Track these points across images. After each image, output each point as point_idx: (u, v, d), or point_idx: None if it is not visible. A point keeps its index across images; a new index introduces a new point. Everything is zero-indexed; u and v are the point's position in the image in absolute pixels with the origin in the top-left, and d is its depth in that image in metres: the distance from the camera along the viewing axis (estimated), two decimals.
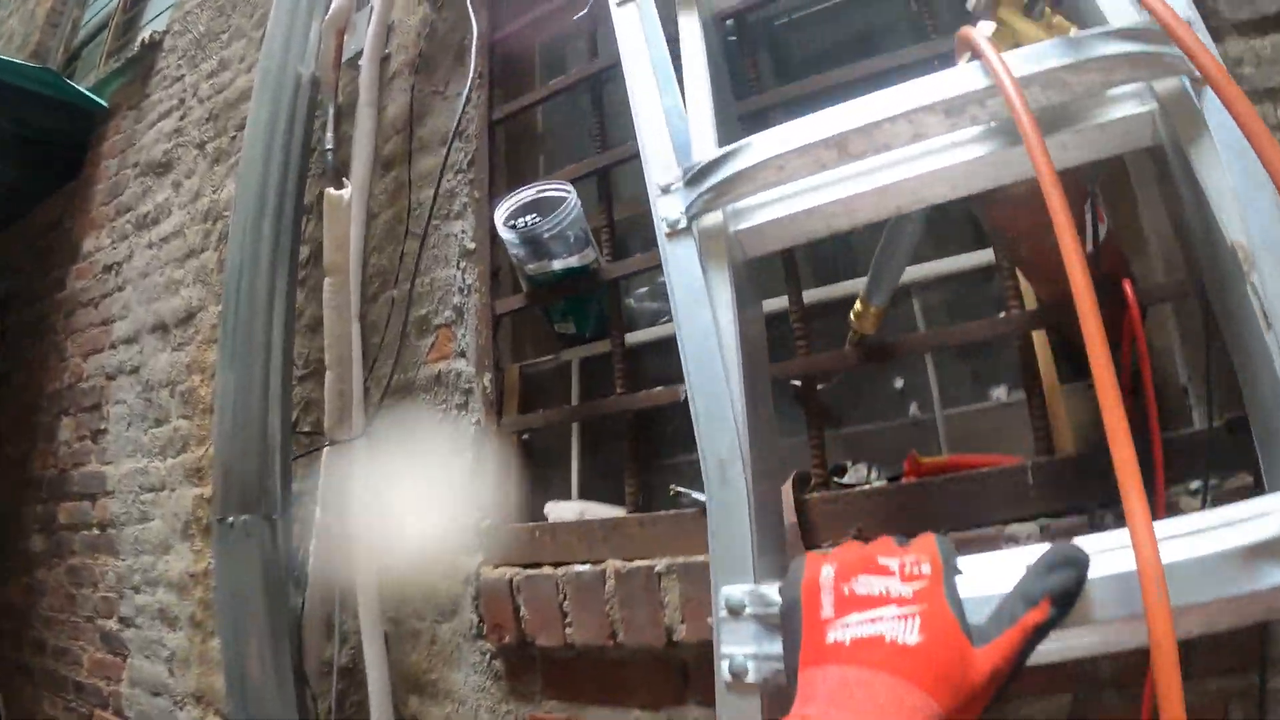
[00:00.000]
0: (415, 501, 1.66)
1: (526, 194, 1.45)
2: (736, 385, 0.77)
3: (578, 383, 1.58)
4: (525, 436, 1.58)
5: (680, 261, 0.82)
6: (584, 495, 1.55)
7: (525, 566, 1.43)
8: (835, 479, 1.29)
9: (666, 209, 0.85)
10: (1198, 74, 0.65)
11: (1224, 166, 0.66)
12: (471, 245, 1.63)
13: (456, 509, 1.57)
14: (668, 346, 1.53)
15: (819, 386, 1.30)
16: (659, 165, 0.88)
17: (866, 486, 1.22)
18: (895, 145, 0.74)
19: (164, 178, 2.64)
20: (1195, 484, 1.08)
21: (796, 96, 1.34)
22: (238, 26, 2.65)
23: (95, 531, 2.57)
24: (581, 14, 1.58)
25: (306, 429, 1.90)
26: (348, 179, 1.72)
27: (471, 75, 1.72)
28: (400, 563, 1.65)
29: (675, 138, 0.91)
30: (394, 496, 1.70)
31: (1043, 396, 1.13)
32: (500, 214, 1.42)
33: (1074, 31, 0.81)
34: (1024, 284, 1.18)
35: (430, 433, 1.65)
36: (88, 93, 3.06)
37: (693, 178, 0.83)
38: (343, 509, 1.68)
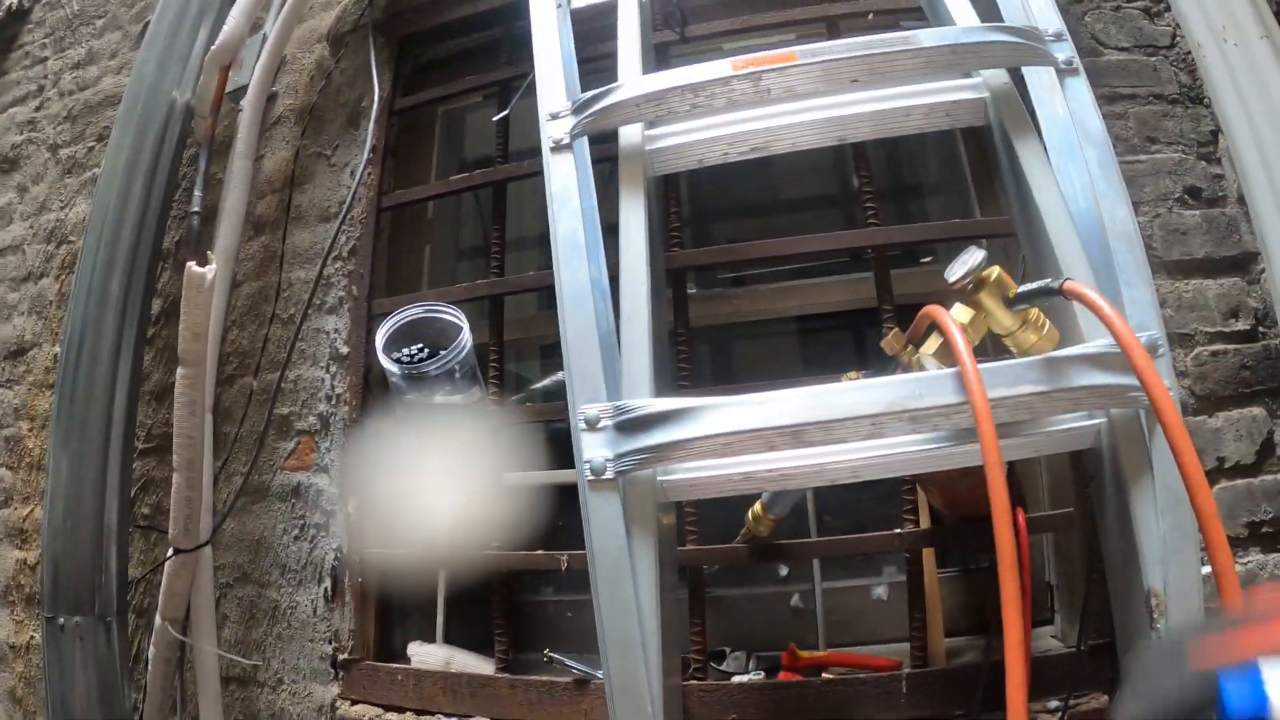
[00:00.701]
0: (263, 618, 1.52)
1: (413, 313, 1.33)
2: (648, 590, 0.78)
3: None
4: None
5: (604, 518, 0.79)
6: (449, 636, 1.46)
7: (385, 708, 1.38)
8: (713, 664, 1.30)
9: (592, 451, 0.80)
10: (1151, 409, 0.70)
11: (1158, 510, 0.71)
12: (344, 350, 1.50)
13: (311, 634, 1.46)
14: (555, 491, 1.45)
15: (705, 568, 1.26)
16: (584, 386, 0.85)
17: (745, 679, 1.24)
18: (850, 440, 0.78)
19: (9, 176, 2.33)
20: (1054, 702, 1.14)
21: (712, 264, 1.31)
22: (114, 16, 2.36)
23: None
24: (501, 115, 1.45)
25: (145, 512, 1.71)
26: (211, 252, 1.53)
27: (366, 150, 1.57)
28: (248, 677, 1.53)
29: (601, 333, 0.89)
30: (239, 609, 1.55)
31: (924, 610, 1.17)
32: (381, 336, 1.30)
33: (1045, 332, 0.86)
34: (920, 498, 1.18)
35: (283, 548, 1.52)
36: None
37: (628, 423, 0.81)
38: (183, 615, 1.52)
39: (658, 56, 1.47)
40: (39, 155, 2.28)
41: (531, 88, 1.16)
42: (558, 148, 1.00)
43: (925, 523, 1.18)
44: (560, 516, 1.42)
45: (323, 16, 1.92)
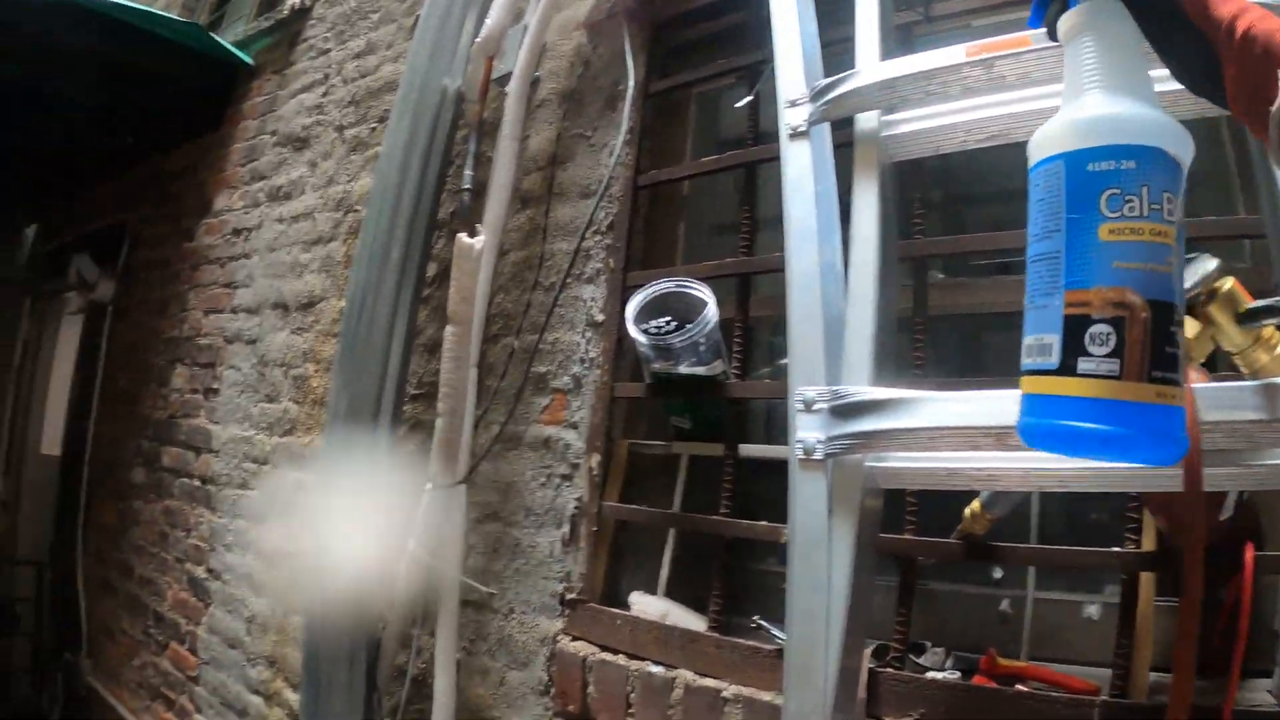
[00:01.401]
0: (505, 553, 1.70)
1: (663, 286, 1.43)
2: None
3: (684, 480, 1.57)
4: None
5: (808, 495, 0.82)
6: (670, 590, 1.55)
7: (601, 648, 1.49)
8: (912, 656, 1.29)
9: (805, 431, 0.84)
10: None
11: None
12: (599, 317, 1.62)
13: (546, 573, 1.61)
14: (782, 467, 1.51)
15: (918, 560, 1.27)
16: (804, 368, 0.87)
17: (939, 676, 1.22)
18: None
19: (301, 153, 2.69)
20: None
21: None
22: (387, 10, 2.65)
23: (196, 482, 2.71)
24: (745, 101, 1.52)
25: (412, 450, 1.95)
26: (480, 224, 1.71)
27: (623, 132, 1.68)
28: (483, 604, 1.71)
29: (827, 318, 0.90)
30: (484, 543, 1.74)
31: (1132, 637, 1.10)
32: (632, 309, 1.41)
33: (1278, 354, 0.80)
34: (1146, 518, 1.11)
35: (530, 493, 1.68)
36: (234, 49, 3.12)
37: (842, 408, 0.84)
38: (434, 541, 1.73)
39: (902, 38, 1.44)
40: (326, 135, 2.61)
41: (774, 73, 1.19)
42: (795, 135, 1.04)
43: (1148, 544, 1.09)
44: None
45: (579, 6, 2.05)
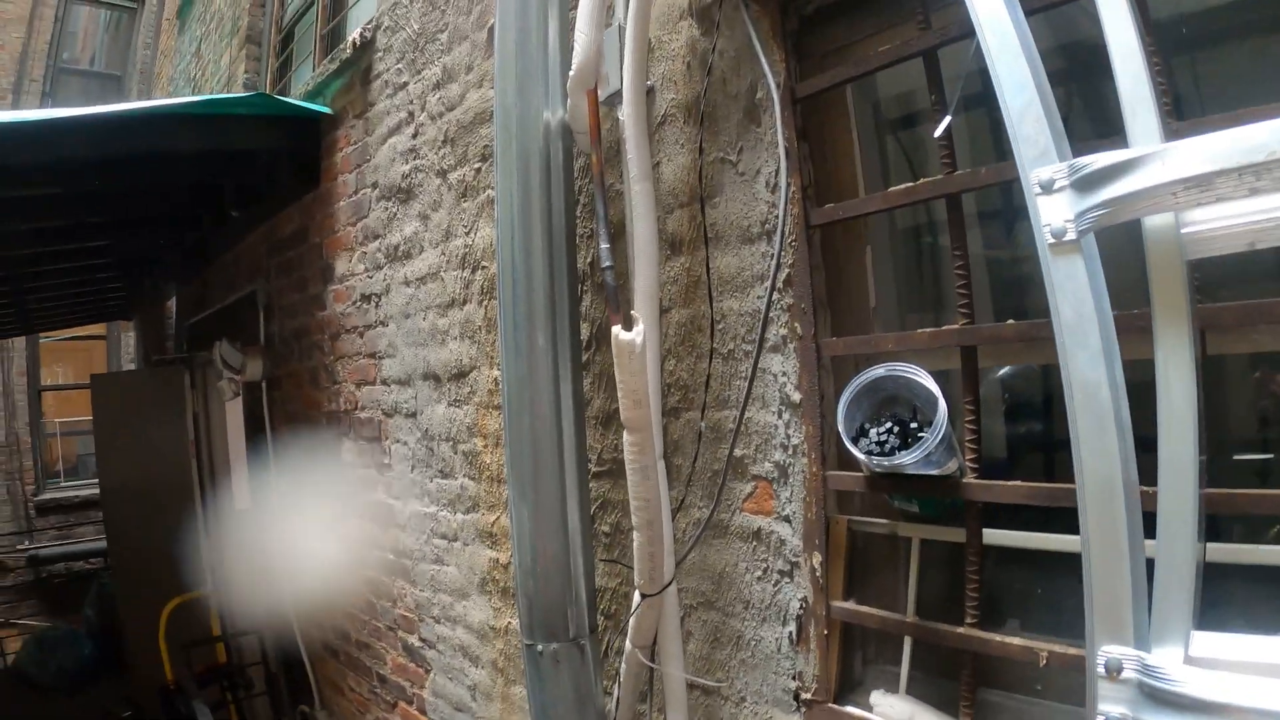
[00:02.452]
0: (727, 643, 1.55)
1: (874, 373, 1.17)
2: None
3: (916, 567, 1.32)
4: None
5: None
6: (913, 687, 1.36)
7: None
8: None
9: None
10: None
11: None
12: (795, 396, 1.38)
13: (775, 668, 1.47)
14: (1041, 560, 1.25)
15: None
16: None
17: None
18: None
19: (408, 206, 2.53)
20: None
21: None
22: (456, 26, 2.39)
23: (389, 556, 2.73)
24: (944, 124, 1.18)
25: (605, 530, 1.81)
26: (634, 311, 1.47)
27: (782, 157, 1.39)
28: (711, 688, 1.61)
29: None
30: (703, 631, 1.60)
31: None
32: (843, 411, 1.16)
33: None
34: None
35: (745, 585, 1.52)
36: (304, 104, 2.98)
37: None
38: (651, 641, 1.61)
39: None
40: (430, 182, 2.43)
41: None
42: (1060, 245, 0.78)
43: None
44: (1053, 593, 1.23)
45: None
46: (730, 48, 1.58)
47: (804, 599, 1.41)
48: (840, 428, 1.18)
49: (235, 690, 3.94)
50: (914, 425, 1.16)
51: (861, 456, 1.16)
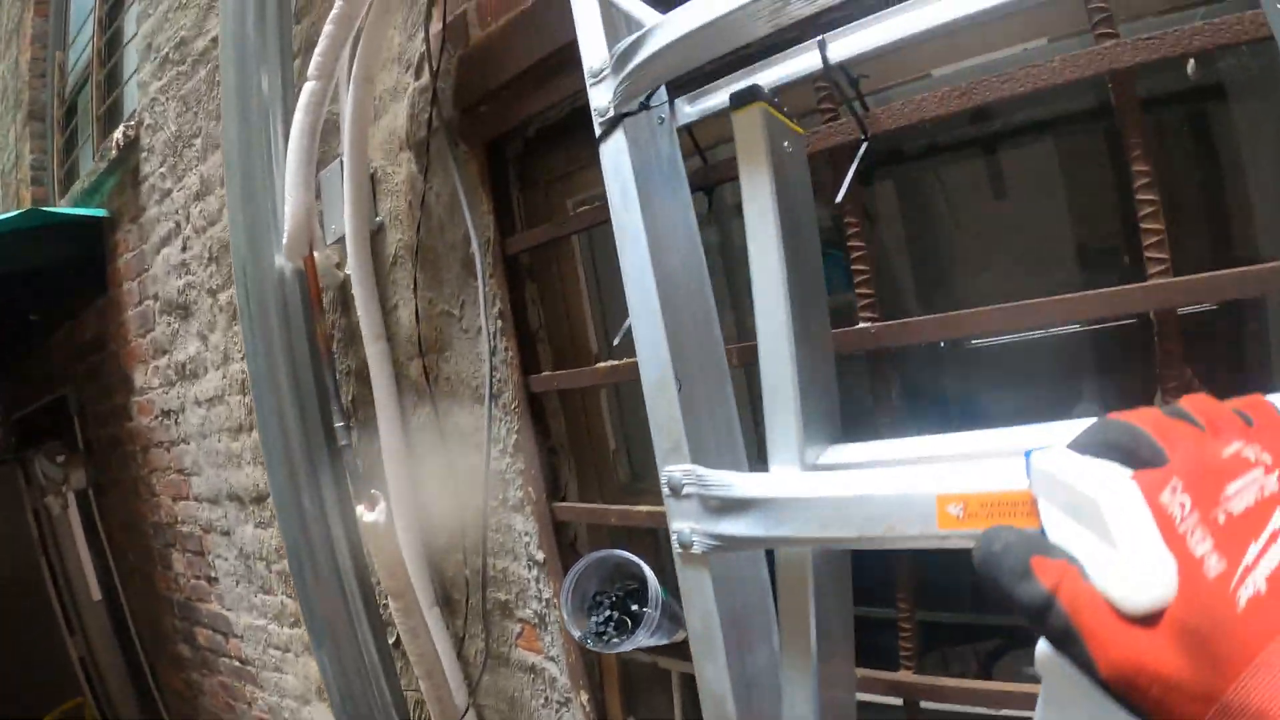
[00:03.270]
0: None
1: (591, 560, 1.23)
2: None
3: (680, 695, 1.42)
4: None
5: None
6: None
7: None
8: None
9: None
10: None
11: None
12: (539, 555, 1.45)
13: None
14: None
15: None
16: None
17: None
18: None
19: (188, 323, 2.45)
20: None
21: None
22: (208, 132, 2.29)
23: (235, 663, 2.71)
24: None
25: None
26: (376, 490, 1.49)
27: (494, 323, 1.41)
28: None
29: None
30: None
31: None
32: (566, 602, 1.20)
33: None
34: None
35: (534, 712, 1.60)
36: (75, 211, 2.81)
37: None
38: None
39: None
40: (203, 300, 2.35)
41: None
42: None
43: None
44: None
45: (395, 111, 1.69)
46: (445, 189, 1.56)
47: None
48: (566, 617, 1.21)
49: None
50: (635, 628, 1.19)
51: (590, 647, 1.20)
